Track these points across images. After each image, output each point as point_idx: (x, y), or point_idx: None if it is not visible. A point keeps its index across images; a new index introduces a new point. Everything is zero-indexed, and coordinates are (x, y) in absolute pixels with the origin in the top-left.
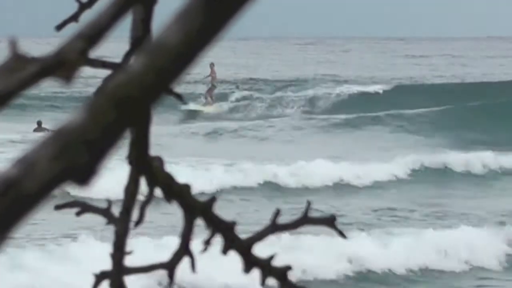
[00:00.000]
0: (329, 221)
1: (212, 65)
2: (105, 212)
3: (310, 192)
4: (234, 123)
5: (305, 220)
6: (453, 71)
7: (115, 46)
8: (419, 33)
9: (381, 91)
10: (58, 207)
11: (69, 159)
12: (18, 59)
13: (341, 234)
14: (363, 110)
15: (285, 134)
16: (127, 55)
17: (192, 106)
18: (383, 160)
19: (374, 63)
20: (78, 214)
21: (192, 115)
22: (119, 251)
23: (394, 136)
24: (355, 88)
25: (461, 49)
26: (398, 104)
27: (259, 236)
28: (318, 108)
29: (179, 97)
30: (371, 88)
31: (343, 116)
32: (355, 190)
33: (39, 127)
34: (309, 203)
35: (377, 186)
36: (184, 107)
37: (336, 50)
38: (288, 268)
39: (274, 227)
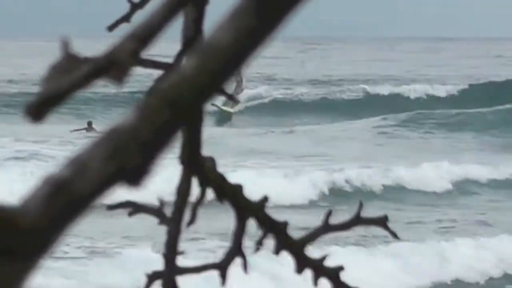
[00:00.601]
0: (382, 222)
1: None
2: (157, 212)
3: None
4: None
5: (357, 220)
6: None
7: (167, 46)
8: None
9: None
10: (110, 208)
11: (122, 159)
12: (70, 60)
13: (394, 235)
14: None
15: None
16: (179, 56)
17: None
18: None
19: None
20: (130, 214)
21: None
22: (171, 251)
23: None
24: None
25: None
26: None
27: (312, 236)
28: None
29: (231, 97)
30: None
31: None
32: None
33: (89, 127)
34: (361, 203)
35: None
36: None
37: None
38: (341, 268)
39: (327, 228)
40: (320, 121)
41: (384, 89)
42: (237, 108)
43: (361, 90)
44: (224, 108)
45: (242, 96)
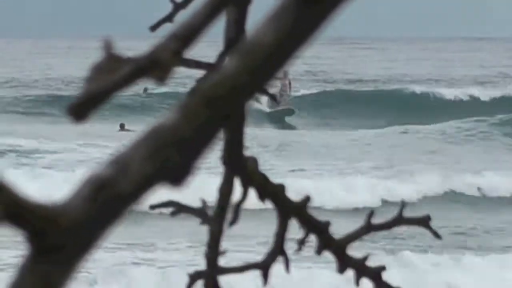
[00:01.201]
0: (424, 222)
1: (285, 72)
2: (200, 212)
3: None
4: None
5: (400, 220)
6: None
7: (209, 47)
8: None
9: None
10: (153, 207)
11: (162, 159)
12: (112, 59)
13: (436, 234)
14: None
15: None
16: (221, 56)
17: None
18: None
19: None
20: (173, 214)
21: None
22: (213, 251)
23: None
24: None
25: None
26: None
27: (354, 236)
28: None
29: (272, 97)
30: None
31: None
32: None
33: (122, 129)
34: (403, 203)
35: None
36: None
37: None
38: (383, 268)
39: (369, 227)
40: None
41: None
42: (288, 106)
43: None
44: (280, 108)
45: (287, 96)
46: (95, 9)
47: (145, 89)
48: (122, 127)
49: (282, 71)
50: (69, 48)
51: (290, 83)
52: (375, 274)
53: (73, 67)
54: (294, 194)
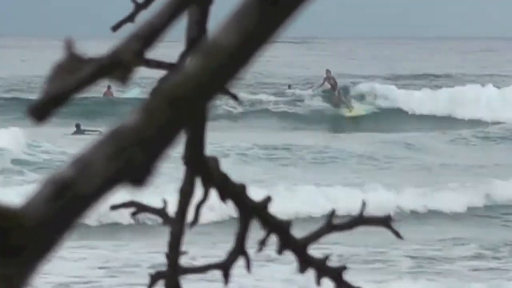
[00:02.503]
0: (385, 221)
1: (328, 72)
2: (161, 212)
3: None
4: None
5: (360, 220)
6: None
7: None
8: None
9: None
10: (114, 207)
11: (125, 159)
12: (74, 60)
13: (397, 234)
14: None
15: None
16: (183, 56)
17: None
18: None
19: None
20: (134, 214)
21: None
22: (174, 251)
23: None
24: None
25: None
26: None
27: (315, 236)
28: None
29: (234, 97)
30: None
31: None
32: None
33: (78, 130)
34: (364, 203)
35: None
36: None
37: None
38: (344, 268)
39: (330, 227)
40: None
41: None
42: (354, 113)
43: None
44: (345, 110)
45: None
46: (55, 8)
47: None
48: (78, 127)
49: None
50: (29, 47)
51: (334, 82)
52: (336, 274)
53: (33, 67)
54: None
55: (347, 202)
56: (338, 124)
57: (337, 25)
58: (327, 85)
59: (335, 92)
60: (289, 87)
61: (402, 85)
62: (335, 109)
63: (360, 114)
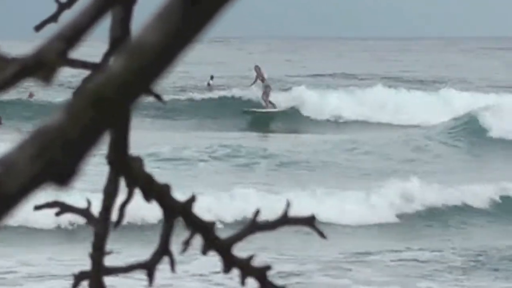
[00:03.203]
0: (309, 221)
1: (257, 67)
2: (85, 213)
3: None
4: None
5: (284, 220)
6: None
7: (95, 46)
8: None
9: None
10: (37, 208)
11: (48, 159)
12: None
13: (321, 234)
14: None
15: None
16: (107, 56)
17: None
18: None
19: None
20: (57, 214)
21: (262, 119)
22: (98, 251)
23: None
24: None
25: None
26: None
27: (239, 236)
28: None
29: (158, 97)
30: None
31: None
32: None
33: None
34: (288, 203)
35: None
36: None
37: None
38: (268, 268)
39: (254, 227)
40: None
41: None
42: (277, 108)
43: None
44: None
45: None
46: None
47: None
48: None
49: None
50: None
51: (262, 78)
52: (260, 274)
53: None
54: None
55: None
56: (259, 122)
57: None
58: (259, 82)
59: (262, 88)
60: (211, 78)
61: (316, 85)
62: (263, 105)
63: (279, 110)
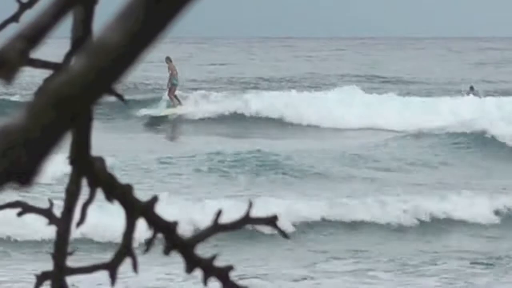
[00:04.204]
0: (271, 221)
1: (168, 59)
2: (47, 213)
3: None
4: None
5: (246, 219)
6: None
7: (56, 46)
8: None
9: None
10: None
11: (9, 159)
12: None
13: (283, 234)
14: None
15: None
16: (68, 56)
17: (153, 111)
18: None
19: None
20: (19, 214)
21: (156, 121)
22: (60, 252)
23: None
24: None
25: None
26: None
27: (201, 236)
28: None
29: (120, 97)
30: None
31: None
32: None
33: None
34: (250, 203)
35: None
36: (143, 112)
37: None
38: (230, 268)
39: (216, 227)
40: None
41: None
42: (177, 110)
43: None
44: (165, 112)
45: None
46: None
47: None
48: None
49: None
50: None
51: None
52: (223, 274)
53: None
54: None
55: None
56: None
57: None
58: (171, 75)
59: (174, 82)
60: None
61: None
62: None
63: (176, 113)
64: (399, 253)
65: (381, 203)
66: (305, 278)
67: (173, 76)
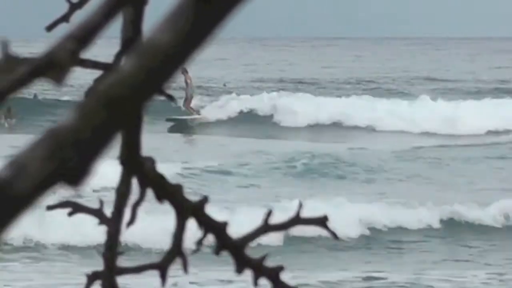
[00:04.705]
0: (322, 221)
1: (184, 71)
2: (97, 213)
3: None
4: None
5: (297, 220)
6: None
7: (106, 46)
8: None
9: None
10: (50, 208)
11: (60, 160)
12: (9, 60)
13: (334, 235)
14: None
15: None
16: (118, 56)
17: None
18: None
19: None
20: (70, 214)
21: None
22: (110, 251)
23: None
24: None
25: None
26: None
27: (251, 236)
28: None
29: (170, 97)
30: None
31: None
32: None
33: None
34: (300, 203)
35: None
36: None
37: None
38: (281, 268)
39: (266, 227)
40: None
41: None
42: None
43: None
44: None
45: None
46: None
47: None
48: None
49: (181, 68)
50: None
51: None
52: (273, 274)
53: None
54: None
55: None
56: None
57: None
58: (187, 86)
59: (191, 94)
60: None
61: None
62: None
63: (205, 121)
64: None
65: None
66: None
67: (190, 88)
